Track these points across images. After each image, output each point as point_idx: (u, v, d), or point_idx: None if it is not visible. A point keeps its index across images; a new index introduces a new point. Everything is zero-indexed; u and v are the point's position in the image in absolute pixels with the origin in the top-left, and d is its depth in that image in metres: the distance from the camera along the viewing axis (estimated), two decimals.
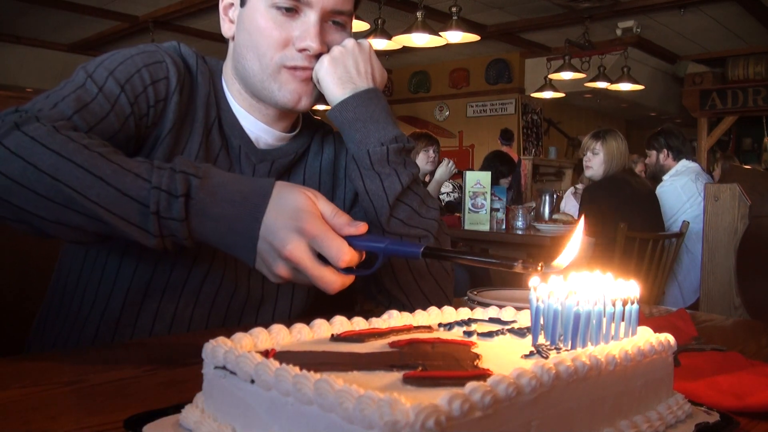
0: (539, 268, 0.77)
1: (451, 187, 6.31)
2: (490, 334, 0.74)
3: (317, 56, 1.18)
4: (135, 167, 0.93)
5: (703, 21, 7.61)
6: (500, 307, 0.90)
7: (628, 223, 3.48)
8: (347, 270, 0.92)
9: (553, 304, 0.68)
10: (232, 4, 1.22)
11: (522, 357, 0.65)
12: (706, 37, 8.39)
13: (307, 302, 1.36)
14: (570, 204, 5.25)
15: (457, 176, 7.15)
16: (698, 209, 3.80)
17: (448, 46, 5.53)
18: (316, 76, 1.19)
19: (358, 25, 5.04)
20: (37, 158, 0.89)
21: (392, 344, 0.68)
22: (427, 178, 5.49)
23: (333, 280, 0.91)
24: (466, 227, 4.54)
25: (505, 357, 0.65)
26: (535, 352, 0.66)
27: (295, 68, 1.17)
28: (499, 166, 5.99)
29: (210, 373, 0.63)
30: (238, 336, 0.67)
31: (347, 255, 0.90)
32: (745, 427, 0.72)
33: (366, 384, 0.52)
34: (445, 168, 5.15)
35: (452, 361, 0.62)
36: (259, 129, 1.25)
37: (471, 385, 0.51)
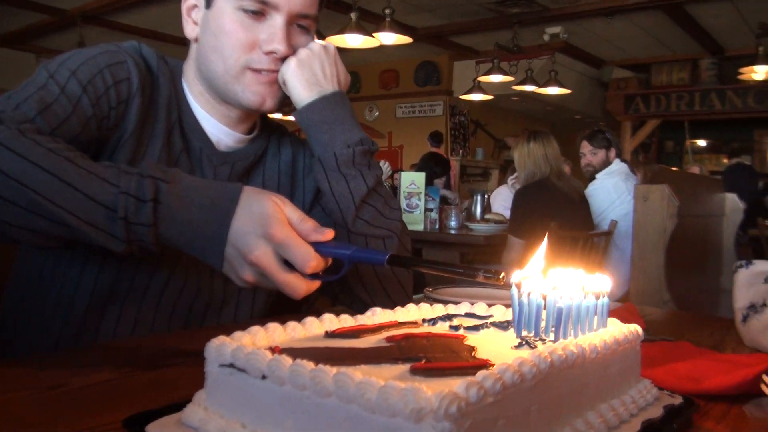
0: (501, 279, 0.81)
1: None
2: (476, 328, 0.78)
3: (283, 59, 1.20)
4: (102, 172, 0.92)
5: (629, 28, 7.93)
6: (455, 303, 0.94)
7: (557, 223, 3.59)
8: (313, 276, 0.94)
9: (535, 299, 0.73)
10: (195, 6, 1.22)
11: (512, 348, 0.69)
12: (632, 44, 8.74)
13: (269, 304, 1.37)
14: (499, 201, 5.37)
15: (387, 177, 7.23)
16: (627, 207, 3.96)
17: (378, 47, 5.58)
18: (283, 78, 1.21)
19: None
20: (3, 163, 0.87)
21: (388, 339, 0.71)
22: None
23: (299, 286, 0.93)
24: None
25: (495, 348, 0.69)
26: (523, 343, 0.70)
27: (260, 71, 1.19)
28: (433, 166, 6.08)
29: (214, 372, 0.65)
30: (238, 334, 0.69)
31: (313, 261, 0.92)
32: (704, 408, 0.79)
33: (377, 376, 0.55)
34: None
35: (450, 353, 0.66)
36: (219, 131, 1.25)
37: (482, 373, 0.54)
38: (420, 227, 4.62)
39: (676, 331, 1.27)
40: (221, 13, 1.17)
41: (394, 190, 6.80)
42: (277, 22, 1.17)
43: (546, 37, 8.08)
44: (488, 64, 7.25)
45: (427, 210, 4.71)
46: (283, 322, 0.74)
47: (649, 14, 7.39)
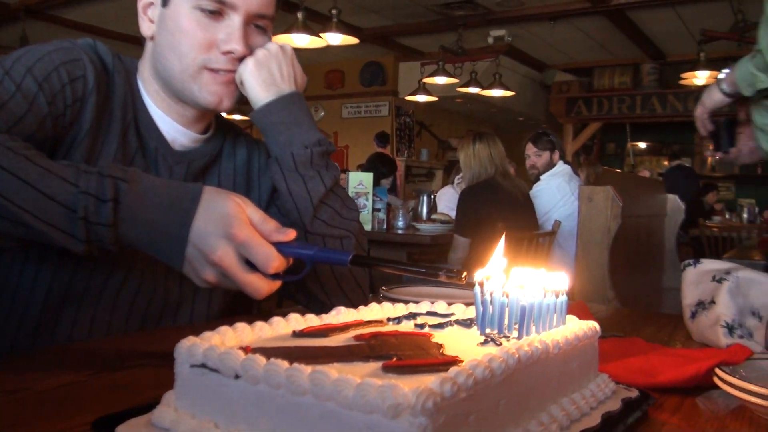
0: (462, 278, 0.83)
1: None
2: (441, 326, 0.80)
3: (240, 59, 1.19)
4: (61, 171, 0.91)
5: (572, 33, 8.10)
6: (408, 302, 0.96)
7: (503, 223, 3.65)
8: (275, 276, 0.94)
9: (498, 297, 0.75)
10: (152, 3, 1.21)
11: (478, 345, 0.71)
12: (574, 48, 8.94)
13: (225, 304, 1.37)
14: (444, 201, 5.43)
15: None
16: (570, 208, 4.06)
17: (324, 47, 5.57)
18: (240, 78, 1.20)
19: None
20: None
21: (357, 338, 0.72)
22: None
23: (261, 286, 0.93)
24: None
25: (462, 345, 0.71)
26: (488, 340, 0.72)
27: (217, 70, 1.18)
28: (380, 167, 6.10)
29: (185, 372, 0.65)
30: (207, 334, 0.69)
31: (275, 261, 0.92)
32: (659, 401, 0.83)
33: (351, 374, 0.56)
34: None
35: (420, 350, 0.67)
36: (175, 130, 1.24)
37: (454, 369, 0.56)
38: (368, 227, 4.64)
39: (625, 328, 1.31)
40: (178, 12, 1.16)
41: None
42: (234, 21, 1.16)
43: (490, 40, 8.20)
44: (433, 65, 7.31)
45: (374, 210, 4.74)
46: (231, 323, 0.73)
47: (591, 19, 7.57)
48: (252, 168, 1.38)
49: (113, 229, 0.90)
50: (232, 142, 1.37)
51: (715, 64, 6.49)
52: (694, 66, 6.40)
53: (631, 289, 2.71)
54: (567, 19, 7.53)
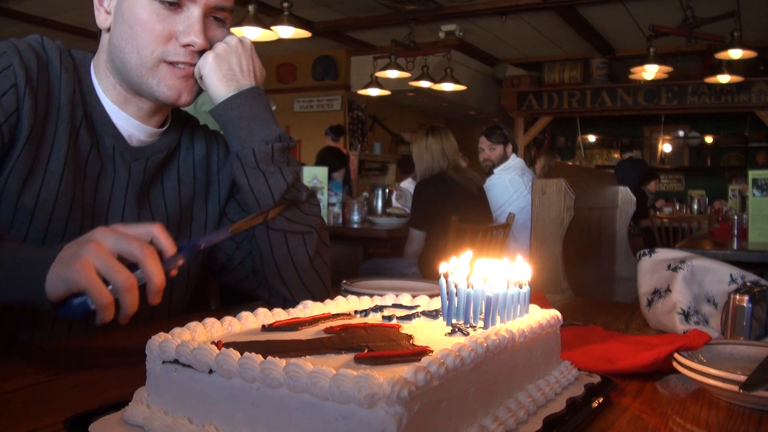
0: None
1: None
2: (408, 317, 0.81)
3: (199, 52, 1.18)
4: None
5: (522, 28, 8.20)
6: (372, 295, 0.97)
7: (457, 215, 3.69)
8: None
9: (464, 289, 0.77)
10: None
11: (445, 335, 0.73)
12: (525, 43, 9.05)
13: (185, 301, 1.36)
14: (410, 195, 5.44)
15: None
16: (524, 201, 4.12)
17: (275, 40, 5.53)
18: (199, 72, 1.19)
19: None
20: None
21: (327, 330, 0.73)
22: None
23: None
24: None
25: (430, 336, 0.73)
26: (456, 330, 0.73)
27: (175, 63, 1.16)
28: (330, 160, 6.09)
29: (157, 369, 0.65)
30: (178, 331, 0.69)
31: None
32: (621, 386, 0.86)
33: (324, 366, 0.57)
34: None
35: (390, 341, 0.68)
36: (131, 126, 1.22)
37: (427, 359, 0.57)
38: None
39: (583, 317, 1.34)
40: (136, 3, 1.13)
41: None
42: (193, 13, 1.15)
43: (441, 35, 8.25)
44: (385, 59, 7.32)
45: (329, 204, 4.73)
46: (187, 321, 0.73)
47: (542, 15, 7.68)
48: (211, 162, 1.37)
49: None
50: (190, 135, 1.35)
51: (663, 59, 6.66)
52: (644, 61, 6.55)
53: (584, 279, 2.77)
54: (518, 15, 7.62)
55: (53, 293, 0.86)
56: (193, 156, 1.34)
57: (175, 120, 1.33)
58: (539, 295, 1.36)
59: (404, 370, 0.55)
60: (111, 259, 0.85)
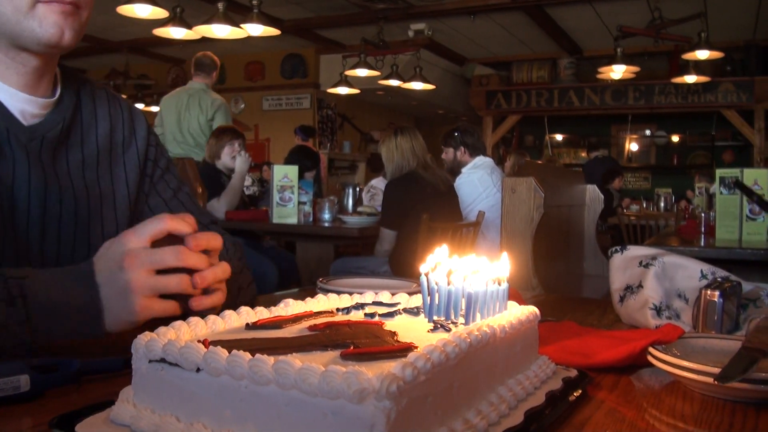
0: None
1: (250, 180, 6.29)
2: (390, 315, 0.82)
3: None
4: None
5: (491, 27, 8.27)
6: (351, 293, 0.98)
7: (427, 214, 3.71)
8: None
9: (445, 286, 0.78)
10: None
11: (428, 332, 0.74)
12: (494, 43, 9.13)
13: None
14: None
15: (254, 169, 7.14)
16: (493, 199, 4.17)
17: (244, 38, 5.51)
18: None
19: (156, 12, 4.87)
20: None
21: (311, 328, 0.74)
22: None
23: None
24: (275, 221, 4.60)
25: (413, 332, 0.74)
26: (438, 326, 0.75)
27: (50, 2, 1.05)
28: (303, 159, 6.08)
29: (143, 368, 0.65)
30: (163, 330, 0.69)
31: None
32: (597, 380, 0.88)
33: (311, 363, 0.58)
34: (244, 160, 5.01)
35: (375, 338, 0.69)
36: (19, 100, 1.11)
37: (413, 354, 0.59)
38: (294, 220, 4.63)
39: (556, 313, 1.37)
40: None
41: (260, 182, 6.75)
42: None
43: (411, 34, 8.29)
44: (355, 58, 7.33)
45: (300, 203, 4.72)
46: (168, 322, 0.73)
47: (510, 14, 7.76)
48: (114, 142, 1.27)
49: (27, 323, 0.88)
50: (92, 108, 1.25)
51: (630, 59, 6.76)
52: (611, 61, 6.65)
53: (553, 276, 2.80)
54: (487, 14, 7.69)
55: (120, 329, 0.92)
56: (96, 135, 1.24)
57: (68, 84, 1.22)
58: (514, 292, 1.38)
59: (391, 366, 0.56)
60: (156, 280, 0.91)
